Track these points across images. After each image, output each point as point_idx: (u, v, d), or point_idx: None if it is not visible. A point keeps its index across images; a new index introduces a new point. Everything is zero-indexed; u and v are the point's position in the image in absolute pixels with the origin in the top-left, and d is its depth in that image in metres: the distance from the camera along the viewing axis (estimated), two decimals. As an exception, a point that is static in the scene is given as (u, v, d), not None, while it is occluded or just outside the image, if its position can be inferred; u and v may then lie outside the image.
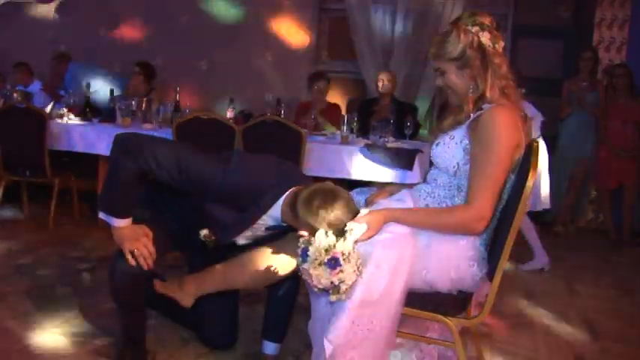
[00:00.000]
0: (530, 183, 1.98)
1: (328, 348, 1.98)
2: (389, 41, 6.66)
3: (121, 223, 2.34)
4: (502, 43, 2.18)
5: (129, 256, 2.31)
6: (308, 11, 6.96)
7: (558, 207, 5.80)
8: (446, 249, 2.10)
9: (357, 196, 2.46)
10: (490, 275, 2.11)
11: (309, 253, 1.96)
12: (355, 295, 1.96)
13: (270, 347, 2.65)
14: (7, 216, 4.96)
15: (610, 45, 6.05)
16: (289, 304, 2.67)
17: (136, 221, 2.38)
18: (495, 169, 2.05)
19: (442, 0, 6.44)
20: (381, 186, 2.70)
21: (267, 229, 2.44)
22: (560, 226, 5.82)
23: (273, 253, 2.37)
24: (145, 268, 2.33)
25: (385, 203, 2.25)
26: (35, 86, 6.24)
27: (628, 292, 4.17)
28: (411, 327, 2.33)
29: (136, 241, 2.32)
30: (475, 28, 2.14)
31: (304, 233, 2.08)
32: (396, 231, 2.07)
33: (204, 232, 2.48)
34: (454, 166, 2.17)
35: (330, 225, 2.07)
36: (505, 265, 2.07)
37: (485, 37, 2.13)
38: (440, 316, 2.15)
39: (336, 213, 2.09)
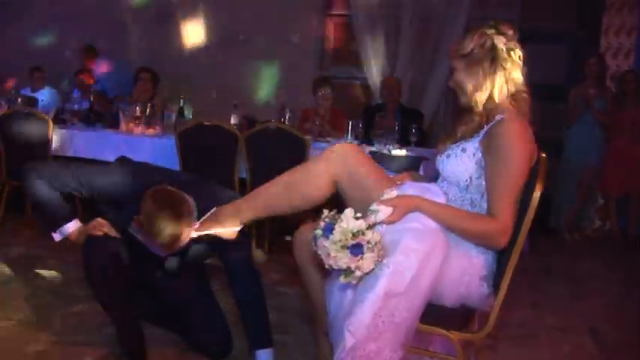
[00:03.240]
0: (537, 195, 1.95)
1: (350, 340, 1.90)
2: (394, 47, 6.64)
3: (73, 225, 2.57)
4: (519, 53, 2.15)
5: (97, 232, 2.51)
6: (313, 17, 6.95)
7: (565, 214, 5.77)
8: (460, 265, 2.05)
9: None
10: (496, 289, 2.07)
11: (333, 231, 1.87)
12: (379, 287, 1.88)
13: (263, 356, 2.60)
14: (10, 222, 4.94)
15: (617, 52, 6.02)
16: (259, 303, 2.64)
17: None
18: (517, 181, 2.02)
19: (447, 5, 6.42)
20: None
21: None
22: (567, 234, 5.78)
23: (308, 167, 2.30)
24: (117, 235, 2.54)
25: (416, 189, 2.14)
26: (45, 92, 6.27)
27: (635, 300, 4.13)
28: (413, 340, 2.29)
29: (93, 224, 2.54)
30: (491, 31, 2.13)
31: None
32: (427, 224, 2.00)
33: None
34: (466, 180, 2.13)
35: (146, 217, 2.26)
36: (509, 279, 2.04)
37: (499, 41, 2.11)
38: (443, 330, 2.11)
39: (156, 214, 2.25)
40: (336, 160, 2.21)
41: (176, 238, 2.29)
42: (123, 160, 2.68)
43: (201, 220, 2.38)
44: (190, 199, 2.37)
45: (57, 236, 2.59)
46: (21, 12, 7.54)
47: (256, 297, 2.64)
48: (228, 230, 2.34)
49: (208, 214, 2.36)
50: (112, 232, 2.55)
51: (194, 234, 2.36)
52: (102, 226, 2.54)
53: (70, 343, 2.87)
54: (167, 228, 2.25)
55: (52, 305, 3.31)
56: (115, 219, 2.60)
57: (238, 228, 2.35)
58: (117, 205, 2.56)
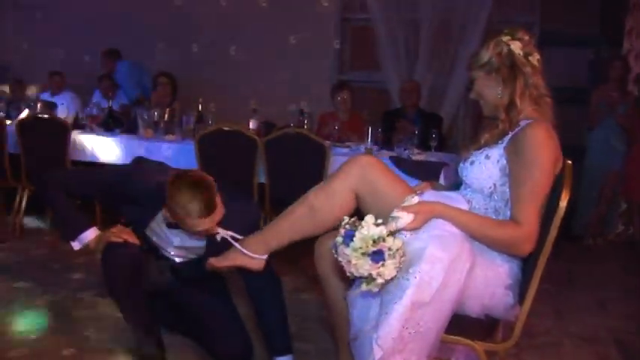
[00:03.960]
0: (563, 204, 1.91)
1: (378, 353, 1.87)
2: (413, 51, 6.59)
3: (92, 233, 2.57)
4: (537, 56, 2.12)
5: (116, 239, 2.50)
6: (331, 21, 6.94)
7: (588, 220, 5.69)
8: (485, 275, 2.01)
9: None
10: (521, 299, 2.03)
11: (354, 239, 1.85)
12: (406, 297, 1.85)
13: None
14: (30, 226, 4.96)
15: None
16: (280, 310, 2.62)
17: None
18: (542, 187, 1.99)
19: (467, 9, 6.38)
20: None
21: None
22: (590, 240, 5.69)
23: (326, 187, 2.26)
24: (137, 242, 2.53)
25: (437, 197, 2.13)
26: (64, 96, 6.31)
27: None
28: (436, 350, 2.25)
29: (112, 231, 2.54)
30: (507, 37, 2.11)
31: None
32: (451, 231, 1.97)
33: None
34: (490, 187, 2.10)
35: (175, 201, 2.26)
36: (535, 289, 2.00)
37: (515, 46, 2.09)
38: (467, 340, 2.07)
39: (184, 192, 2.26)
40: (354, 174, 2.19)
41: (211, 206, 2.29)
42: (139, 160, 2.69)
43: (222, 255, 2.36)
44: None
45: (76, 245, 2.59)
46: (41, 16, 7.61)
47: (276, 303, 2.62)
48: (255, 260, 2.33)
49: (227, 236, 2.37)
50: (132, 239, 2.54)
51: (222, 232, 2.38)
52: (122, 233, 2.53)
53: (92, 350, 2.87)
54: (198, 200, 2.27)
55: (72, 310, 3.31)
56: (136, 220, 2.60)
57: (265, 257, 2.33)
58: (137, 205, 2.55)
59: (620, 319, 3.76)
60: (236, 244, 2.33)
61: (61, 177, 2.67)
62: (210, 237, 2.47)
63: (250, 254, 2.30)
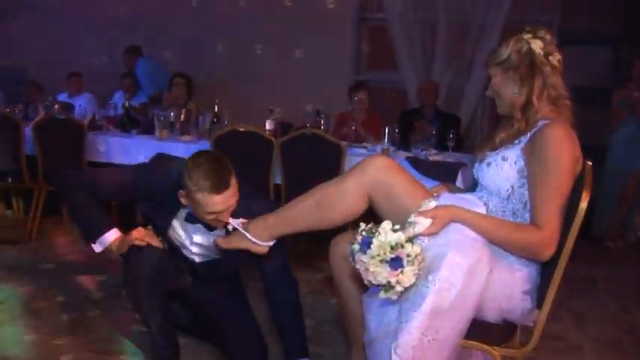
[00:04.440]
0: (584, 205, 1.86)
1: None
2: (430, 51, 6.54)
3: (113, 235, 2.49)
4: (558, 57, 2.08)
5: (140, 243, 2.44)
6: (348, 21, 6.91)
7: (608, 222, 5.60)
8: (502, 279, 1.96)
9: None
10: (539, 303, 1.98)
11: (371, 246, 1.81)
12: (426, 304, 1.82)
13: None
14: (48, 227, 4.97)
15: (663, 53, 5.83)
16: (296, 312, 2.60)
17: None
18: (562, 189, 1.94)
19: (485, 8, 6.31)
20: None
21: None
22: (610, 242, 5.60)
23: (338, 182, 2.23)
24: (160, 244, 2.49)
25: (453, 200, 2.08)
26: (82, 97, 6.33)
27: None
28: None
29: (135, 234, 2.46)
30: (528, 36, 2.07)
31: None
32: (470, 236, 1.93)
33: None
34: (507, 190, 2.05)
35: (203, 188, 2.24)
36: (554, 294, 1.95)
37: (536, 45, 2.05)
38: (485, 346, 2.03)
39: (204, 168, 2.26)
40: (368, 175, 2.14)
41: (223, 182, 2.29)
42: (159, 156, 2.64)
43: (229, 236, 2.35)
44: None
45: (97, 247, 2.51)
46: (60, 15, 7.65)
47: (293, 306, 2.61)
48: (258, 246, 2.30)
49: (237, 225, 2.33)
50: (155, 242, 2.50)
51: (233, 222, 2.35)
52: (145, 236, 2.48)
53: (105, 351, 2.86)
54: (220, 174, 2.28)
55: (87, 312, 3.31)
56: (157, 218, 2.58)
57: (270, 243, 2.30)
58: (158, 203, 2.53)
59: (641, 322, 3.69)
60: (241, 229, 2.31)
61: (81, 175, 2.63)
62: (227, 232, 2.44)
63: (254, 240, 2.28)
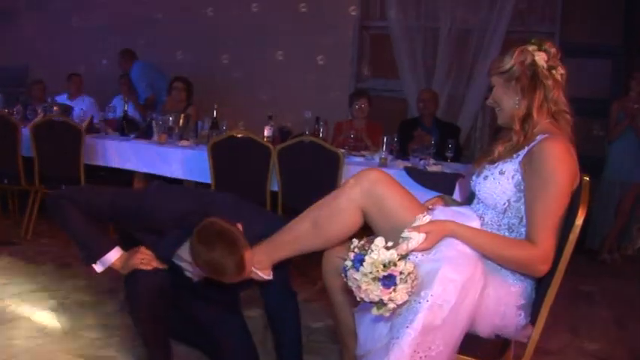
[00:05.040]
0: (579, 222, 1.85)
1: None
2: (431, 60, 6.55)
3: (116, 254, 2.40)
4: (562, 71, 2.07)
5: (144, 267, 2.35)
6: (349, 29, 6.91)
7: (604, 234, 5.58)
8: (496, 294, 1.95)
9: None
10: (533, 319, 1.97)
11: (364, 263, 1.79)
12: (418, 321, 1.79)
13: None
14: (43, 229, 4.96)
15: (661, 65, 5.84)
16: (294, 324, 2.57)
17: None
18: (558, 205, 1.92)
19: (486, 18, 6.32)
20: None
21: None
22: (607, 254, 5.58)
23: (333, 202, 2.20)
24: (162, 266, 2.39)
25: (448, 214, 2.08)
26: (82, 100, 6.33)
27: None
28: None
29: (137, 254, 2.37)
30: (533, 47, 2.06)
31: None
32: (464, 251, 1.92)
33: None
34: (504, 204, 2.04)
35: (206, 264, 2.15)
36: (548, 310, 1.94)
37: (540, 57, 2.04)
38: (478, 361, 2.02)
39: (212, 255, 2.13)
40: (362, 191, 2.14)
41: (241, 267, 2.19)
42: (159, 187, 2.57)
43: None
44: (237, 226, 2.27)
45: (98, 267, 2.40)
46: (62, 18, 7.66)
47: (292, 318, 2.58)
48: (259, 274, 2.29)
49: None
50: (159, 264, 2.41)
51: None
52: (149, 261, 2.39)
53: (99, 355, 2.85)
54: (228, 265, 2.16)
55: (81, 317, 3.29)
56: (154, 246, 2.47)
57: (270, 275, 2.30)
58: (160, 235, 2.44)
59: (639, 337, 3.67)
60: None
61: (75, 195, 2.44)
62: None
63: (259, 274, 2.29)
